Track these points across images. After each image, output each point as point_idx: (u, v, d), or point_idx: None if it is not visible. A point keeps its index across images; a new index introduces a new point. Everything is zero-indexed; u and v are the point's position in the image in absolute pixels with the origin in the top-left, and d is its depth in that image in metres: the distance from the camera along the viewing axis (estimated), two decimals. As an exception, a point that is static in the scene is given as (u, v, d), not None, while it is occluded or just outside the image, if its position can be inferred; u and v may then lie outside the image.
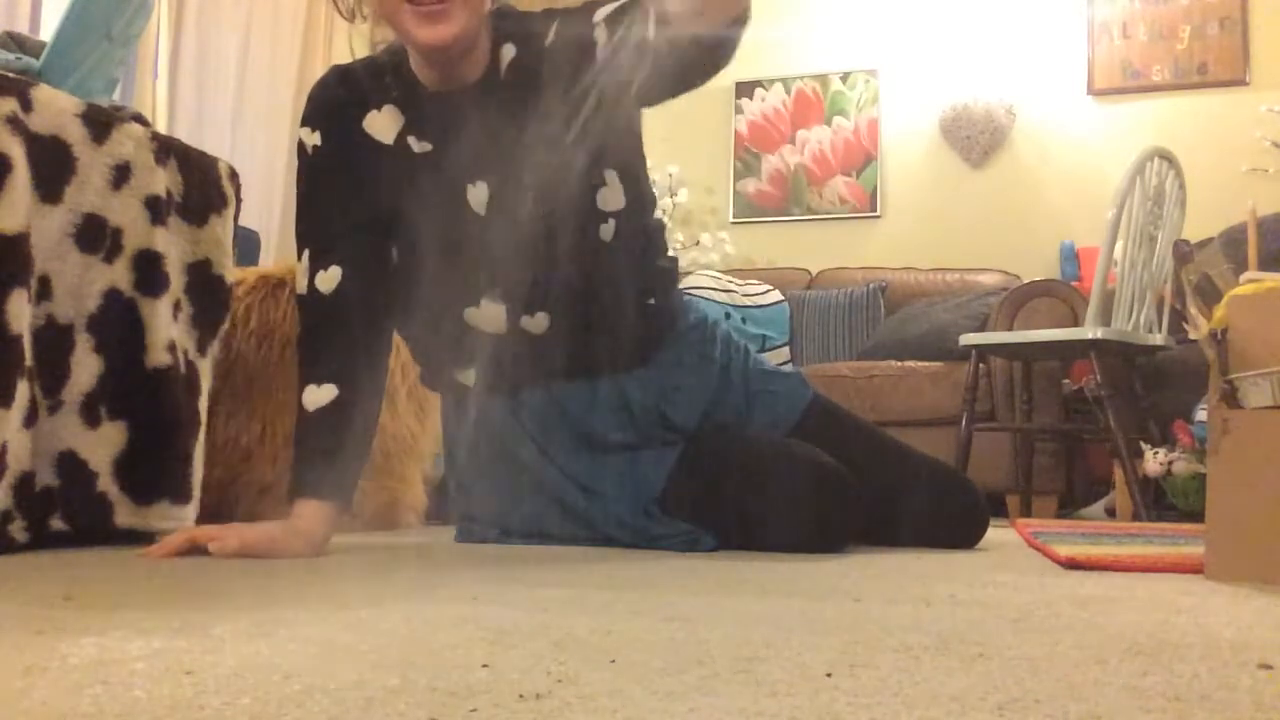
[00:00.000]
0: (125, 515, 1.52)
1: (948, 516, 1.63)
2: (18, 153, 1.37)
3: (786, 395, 1.69)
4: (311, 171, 1.54)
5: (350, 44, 1.66)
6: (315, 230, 1.52)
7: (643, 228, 1.59)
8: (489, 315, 1.51)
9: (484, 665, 0.62)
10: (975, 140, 4.60)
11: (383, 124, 1.50)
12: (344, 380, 1.45)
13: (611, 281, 1.54)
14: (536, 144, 1.43)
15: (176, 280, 1.63)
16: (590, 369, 1.56)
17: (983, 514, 1.67)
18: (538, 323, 1.51)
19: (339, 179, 1.51)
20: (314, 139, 1.52)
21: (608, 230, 1.51)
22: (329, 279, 1.48)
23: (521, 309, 1.51)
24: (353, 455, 1.47)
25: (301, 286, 1.51)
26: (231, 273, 1.75)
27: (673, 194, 4.70)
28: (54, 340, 1.45)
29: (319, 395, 1.45)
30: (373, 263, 1.52)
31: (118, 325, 1.52)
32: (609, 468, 1.54)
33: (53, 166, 1.44)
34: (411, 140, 1.49)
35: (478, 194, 1.48)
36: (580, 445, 1.56)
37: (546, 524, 1.57)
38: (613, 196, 1.52)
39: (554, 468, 1.55)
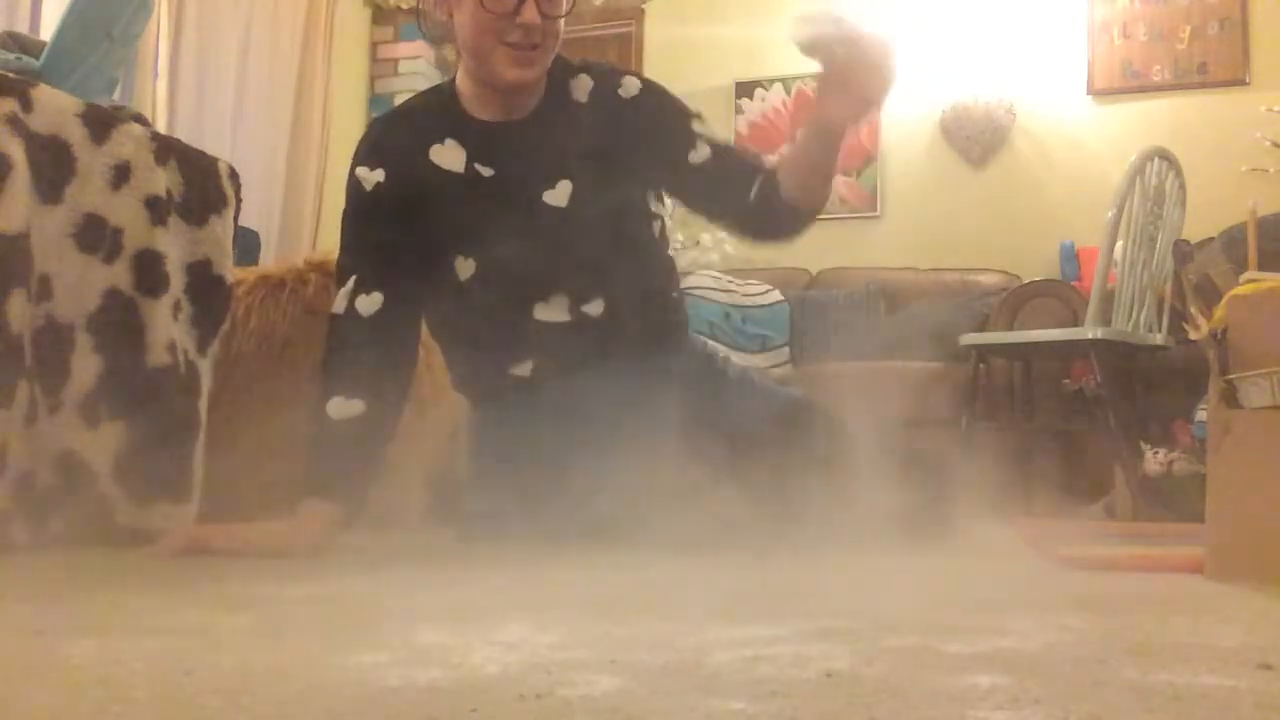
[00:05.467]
0: (125, 515, 1.51)
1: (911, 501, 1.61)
2: (18, 153, 1.37)
3: (761, 394, 1.74)
4: (369, 208, 1.62)
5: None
6: (363, 263, 1.59)
7: (666, 231, 1.77)
8: (555, 306, 1.61)
9: (484, 665, 0.62)
10: (975, 140, 4.60)
11: (449, 156, 1.61)
12: (372, 397, 1.51)
13: (656, 272, 1.71)
14: (608, 156, 1.63)
15: (176, 280, 1.63)
16: (635, 350, 1.64)
17: (941, 498, 1.64)
18: (595, 308, 1.62)
19: (396, 214, 1.60)
20: (375, 176, 1.60)
21: (656, 228, 1.70)
22: (370, 303, 1.56)
23: (582, 296, 1.61)
24: (368, 467, 1.52)
25: (339, 308, 1.57)
26: (231, 273, 1.75)
27: (673, 194, 4.69)
28: (54, 340, 1.45)
29: (347, 408, 1.50)
30: (413, 294, 1.62)
31: (118, 325, 1.52)
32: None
33: (53, 166, 1.44)
34: (479, 166, 1.60)
35: (557, 194, 1.61)
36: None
37: (564, 521, 1.56)
38: (656, 202, 1.72)
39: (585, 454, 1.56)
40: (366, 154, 1.63)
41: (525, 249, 1.58)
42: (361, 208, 1.62)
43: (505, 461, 1.66)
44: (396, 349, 1.59)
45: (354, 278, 1.58)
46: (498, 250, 1.58)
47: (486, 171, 1.61)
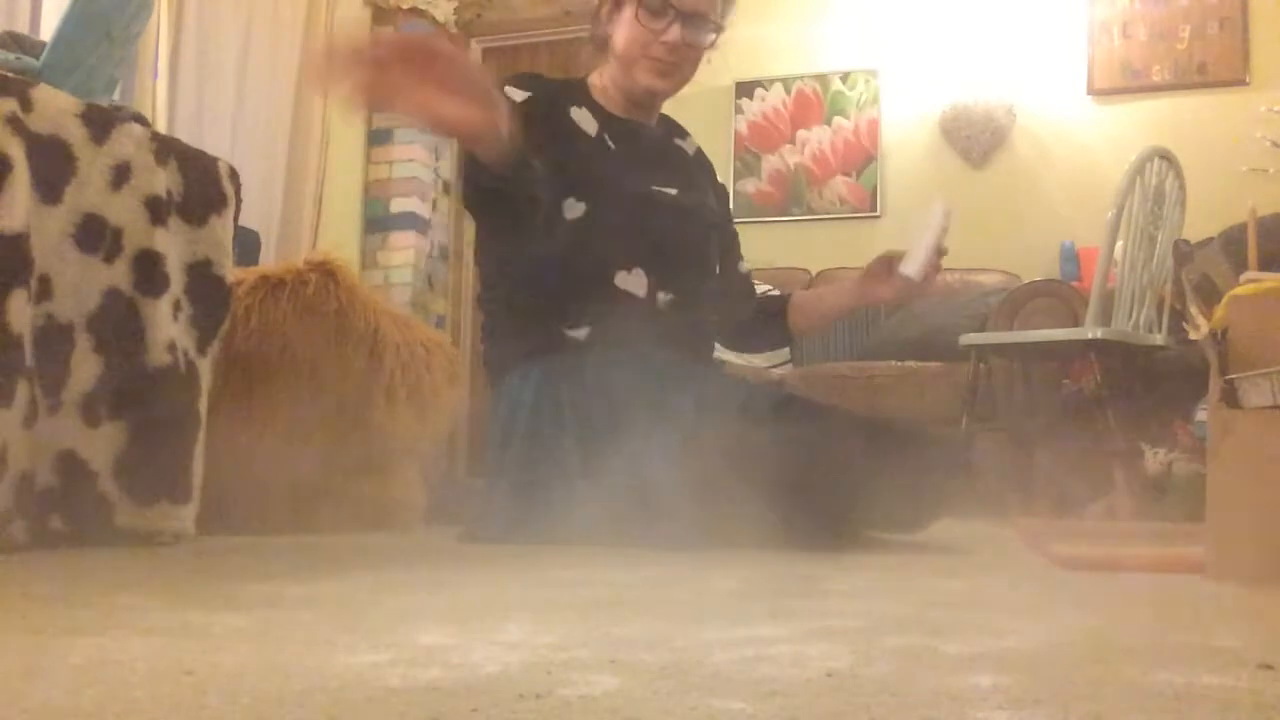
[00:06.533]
0: (125, 515, 1.51)
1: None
2: (18, 153, 1.37)
3: (751, 393, 1.76)
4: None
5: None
6: None
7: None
8: (635, 279, 1.77)
9: (484, 665, 0.62)
10: (975, 140, 4.60)
11: (584, 120, 1.82)
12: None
13: (709, 290, 1.90)
14: (707, 198, 1.96)
15: (176, 280, 1.63)
16: (681, 349, 1.77)
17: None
18: (665, 298, 1.79)
19: (531, 129, 1.67)
20: (521, 95, 1.76)
21: (718, 266, 1.96)
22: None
23: (660, 282, 1.78)
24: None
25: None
26: (231, 273, 1.75)
27: (673, 194, 4.69)
28: (54, 340, 1.45)
29: None
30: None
31: (118, 325, 1.52)
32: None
33: (53, 166, 1.44)
34: (607, 138, 1.82)
35: (668, 191, 1.84)
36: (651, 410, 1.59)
37: (584, 514, 1.56)
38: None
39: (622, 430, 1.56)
40: (519, 80, 1.80)
41: (634, 214, 1.77)
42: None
43: (536, 426, 1.70)
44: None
45: None
46: (611, 200, 1.75)
47: (613, 145, 1.81)
